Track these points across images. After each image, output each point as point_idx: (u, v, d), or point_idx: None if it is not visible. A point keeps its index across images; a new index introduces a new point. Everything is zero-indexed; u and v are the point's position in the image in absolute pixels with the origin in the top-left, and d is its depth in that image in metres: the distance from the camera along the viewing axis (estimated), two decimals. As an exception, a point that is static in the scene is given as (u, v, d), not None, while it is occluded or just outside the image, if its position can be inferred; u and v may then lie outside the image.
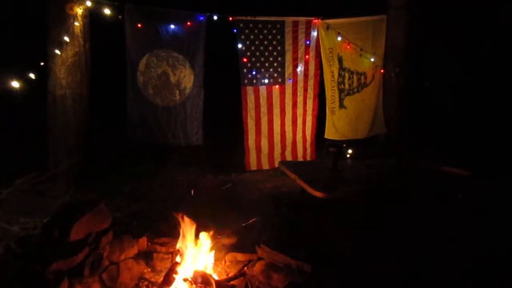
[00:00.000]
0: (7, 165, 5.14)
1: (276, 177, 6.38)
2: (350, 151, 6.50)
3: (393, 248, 3.74)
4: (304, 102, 6.65)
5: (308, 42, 6.43)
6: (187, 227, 3.16)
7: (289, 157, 6.69)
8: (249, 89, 6.34)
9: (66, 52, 5.36)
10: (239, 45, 6.20)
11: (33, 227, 4.44)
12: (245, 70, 6.27)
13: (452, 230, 4.05)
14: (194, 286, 2.80)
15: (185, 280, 2.82)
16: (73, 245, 2.96)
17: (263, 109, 6.43)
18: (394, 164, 6.03)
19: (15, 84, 4.74)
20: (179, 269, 2.85)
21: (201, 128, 6.34)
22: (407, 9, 6.51)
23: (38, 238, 3.37)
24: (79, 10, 5.33)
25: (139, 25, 5.82)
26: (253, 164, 6.55)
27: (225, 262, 3.54)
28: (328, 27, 6.37)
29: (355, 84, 6.69)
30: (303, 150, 6.78)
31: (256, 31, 6.21)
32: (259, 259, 3.43)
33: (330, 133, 6.64)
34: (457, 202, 4.65)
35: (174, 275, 2.80)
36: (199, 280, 2.84)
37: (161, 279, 2.94)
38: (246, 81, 6.30)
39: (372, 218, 4.41)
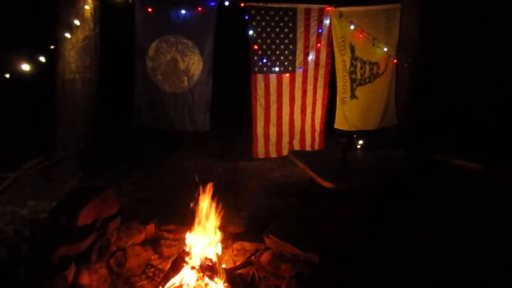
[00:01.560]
0: (16, 149, 5.16)
1: (284, 166, 6.33)
2: (360, 141, 6.43)
3: (401, 242, 3.71)
4: (314, 91, 6.57)
5: (320, 30, 6.32)
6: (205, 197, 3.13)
7: (297, 146, 6.63)
8: (259, 77, 6.26)
9: (76, 35, 5.32)
10: (250, 32, 6.10)
11: (41, 211, 4.48)
12: (255, 58, 6.19)
13: (461, 224, 3.99)
14: (201, 273, 2.79)
15: (192, 268, 2.81)
16: (80, 230, 2.96)
17: (273, 97, 6.36)
18: (404, 156, 5.98)
19: (25, 67, 4.72)
20: (186, 256, 2.83)
21: (208, 114, 6.30)
22: (421, -1, 6.36)
23: (46, 222, 3.36)
24: (89, -6, 5.28)
25: (149, 10, 5.76)
26: (260, 152, 6.51)
27: (232, 250, 3.53)
28: (341, 15, 6.25)
29: (367, 74, 6.59)
30: (312, 139, 6.71)
31: (267, 18, 6.11)
32: (267, 248, 3.42)
33: (340, 123, 6.56)
34: (467, 196, 4.59)
35: (182, 263, 2.78)
36: (206, 268, 2.82)
37: (168, 266, 2.93)
38: (256, 68, 6.22)
39: (381, 210, 4.38)
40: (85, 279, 2.75)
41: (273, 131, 6.49)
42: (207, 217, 3.11)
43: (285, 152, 6.51)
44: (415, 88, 6.73)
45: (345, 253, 3.48)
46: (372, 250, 3.56)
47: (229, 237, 3.65)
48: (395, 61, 6.63)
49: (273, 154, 6.59)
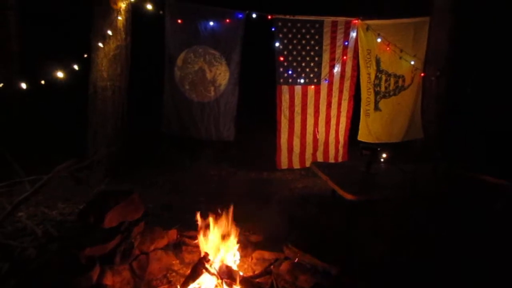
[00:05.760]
0: (49, 151, 5.38)
1: (307, 177, 6.35)
2: (384, 155, 6.37)
3: (424, 259, 3.65)
4: (338, 103, 6.58)
5: (346, 43, 6.35)
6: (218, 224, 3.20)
7: (320, 158, 6.64)
8: (284, 88, 6.33)
9: (108, 45, 5.54)
10: (277, 44, 6.20)
11: (69, 213, 4.63)
12: (281, 69, 6.27)
13: (488, 243, 3.85)
14: (219, 280, 2.83)
15: (211, 274, 2.86)
16: (106, 232, 3.06)
17: (297, 108, 6.41)
18: (430, 170, 5.87)
19: (60, 74, 4.94)
20: (206, 263, 2.89)
21: (233, 124, 6.41)
22: (452, 12, 6.31)
23: (74, 223, 3.49)
24: (122, 5, 5.49)
25: (179, 21, 5.94)
26: (284, 162, 6.55)
27: (252, 259, 3.56)
28: (368, 27, 6.26)
29: (391, 87, 6.55)
30: (335, 151, 6.70)
31: (294, 30, 6.19)
32: (286, 258, 3.43)
33: (363, 136, 6.55)
34: (495, 212, 4.47)
35: (202, 269, 2.83)
36: (225, 274, 2.87)
37: (189, 271, 2.99)
38: (281, 80, 6.29)
39: (404, 224, 4.31)
40: (108, 280, 2.84)
41: (297, 142, 6.53)
42: (227, 228, 3.18)
43: (308, 163, 6.52)
44: (443, 102, 6.63)
45: (366, 265, 3.45)
46: (393, 265, 3.52)
47: (249, 246, 3.69)
48: (422, 74, 6.57)
49: (296, 165, 6.62)
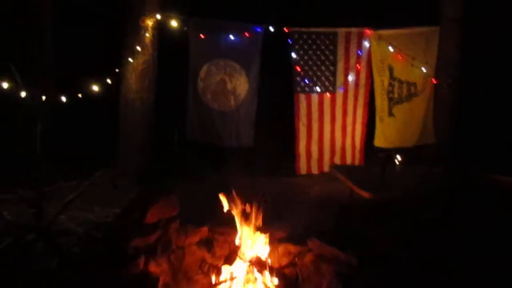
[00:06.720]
0: (86, 160, 5.79)
1: (325, 182, 6.59)
2: (399, 158, 6.62)
3: (438, 258, 3.69)
4: (354, 110, 6.88)
5: (360, 52, 6.67)
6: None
7: (338, 163, 6.90)
8: (301, 96, 6.66)
9: (137, 60, 5.96)
10: (293, 55, 6.56)
11: (105, 216, 5.00)
12: (298, 78, 6.61)
13: (503, 245, 3.83)
14: (251, 267, 3.15)
15: (244, 261, 3.18)
16: (148, 227, 3.41)
17: (314, 115, 6.73)
18: (443, 172, 6.08)
19: (95, 87, 5.37)
20: (238, 251, 3.21)
21: (253, 131, 6.78)
22: (461, 22, 6.52)
23: (116, 221, 3.84)
24: (150, 23, 5.92)
25: (202, 36, 6.34)
26: (303, 168, 6.85)
27: (277, 252, 3.85)
28: (380, 37, 6.57)
29: (404, 94, 6.82)
30: (352, 156, 6.98)
31: (309, 41, 6.54)
32: (309, 251, 3.73)
33: (379, 141, 6.82)
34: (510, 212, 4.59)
35: (235, 256, 3.16)
36: (256, 262, 3.18)
37: (223, 260, 3.32)
38: (298, 88, 6.63)
39: (418, 225, 4.52)
40: (152, 268, 3.18)
41: (314, 148, 6.83)
42: (257, 221, 3.50)
43: (326, 168, 6.82)
44: (455, 108, 6.83)
45: (382, 260, 3.68)
46: (410, 263, 3.68)
47: (274, 241, 3.98)
48: (434, 81, 6.82)
49: (315, 170, 6.91)
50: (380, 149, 6.56)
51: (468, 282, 3.35)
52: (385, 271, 3.44)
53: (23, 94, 4.01)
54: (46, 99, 5.07)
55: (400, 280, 3.37)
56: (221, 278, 3.29)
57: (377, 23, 6.72)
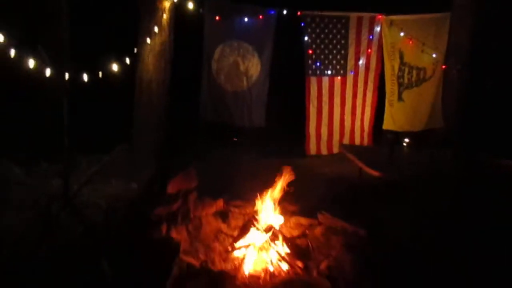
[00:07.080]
0: (106, 136, 6.01)
1: (334, 163, 6.79)
2: (407, 140, 6.77)
3: (444, 238, 3.82)
4: (364, 94, 7.03)
5: (371, 37, 6.78)
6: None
7: (347, 143, 7.08)
8: (313, 79, 6.82)
9: (154, 41, 6.09)
10: (305, 38, 6.69)
11: (124, 189, 5.24)
12: (309, 61, 6.75)
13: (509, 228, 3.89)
14: (266, 235, 3.37)
15: (258, 229, 3.40)
16: (169, 197, 3.64)
17: (325, 98, 6.89)
18: (451, 155, 6.22)
19: (114, 67, 5.54)
20: (255, 221, 3.43)
21: (264, 112, 6.97)
22: (472, 8, 6.59)
23: (137, 193, 4.08)
24: (167, 4, 6.05)
25: (217, 18, 6.49)
26: (312, 149, 7.04)
27: (289, 224, 4.07)
28: (391, 23, 6.67)
29: (414, 79, 6.94)
30: (361, 138, 7.16)
31: (322, 25, 6.67)
32: (319, 224, 3.95)
33: (388, 124, 6.96)
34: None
35: (251, 225, 3.38)
36: (270, 232, 3.40)
37: (239, 230, 3.54)
38: (310, 71, 6.78)
39: (426, 205, 4.66)
40: (174, 234, 3.42)
41: (324, 130, 7.01)
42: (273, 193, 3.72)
43: (335, 149, 7.01)
44: (464, 93, 6.93)
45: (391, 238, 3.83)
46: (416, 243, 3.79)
47: (286, 213, 4.20)
48: (443, 66, 6.93)
49: (324, 151, 7.11)
50: (389, 131, 6.71)
51: (475, 271, 3.34)
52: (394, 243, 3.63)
53: (49, 72, 4.16)
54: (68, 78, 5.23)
55: (406, 262, 3.43)
56: (237, 245, 3.51)
57: (388, 9, 6.80)
